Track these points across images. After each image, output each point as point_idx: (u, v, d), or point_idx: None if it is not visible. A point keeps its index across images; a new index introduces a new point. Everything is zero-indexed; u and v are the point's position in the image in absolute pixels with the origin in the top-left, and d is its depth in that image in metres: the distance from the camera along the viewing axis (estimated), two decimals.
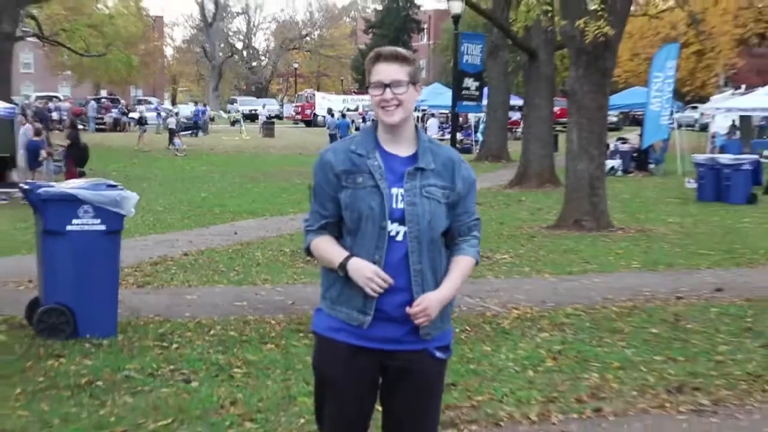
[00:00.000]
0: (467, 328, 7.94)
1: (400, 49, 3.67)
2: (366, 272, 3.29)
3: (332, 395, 3.55)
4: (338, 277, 3.41)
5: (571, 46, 15.20)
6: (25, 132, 22.16)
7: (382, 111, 3.50)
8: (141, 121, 40.98)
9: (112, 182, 7.96)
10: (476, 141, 38.19)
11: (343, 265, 3.35)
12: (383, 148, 3.50)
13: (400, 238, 3.39)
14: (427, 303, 3.32)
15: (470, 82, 24.26)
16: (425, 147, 3.54)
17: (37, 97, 52.97)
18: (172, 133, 39.41)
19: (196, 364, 6.71)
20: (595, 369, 6.61)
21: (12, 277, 10.13)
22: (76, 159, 22.54)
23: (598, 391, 6.12)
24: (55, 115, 43.20)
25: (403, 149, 3.52)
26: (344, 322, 3.43)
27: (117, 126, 52.33)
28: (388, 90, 3.46)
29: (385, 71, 3.52)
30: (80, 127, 35.10)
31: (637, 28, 33.20)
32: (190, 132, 47.16)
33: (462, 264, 3.51)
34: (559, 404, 5.86)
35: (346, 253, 3.38)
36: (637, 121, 24.74)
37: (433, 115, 46.18)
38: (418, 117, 36.32)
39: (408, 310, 3.31)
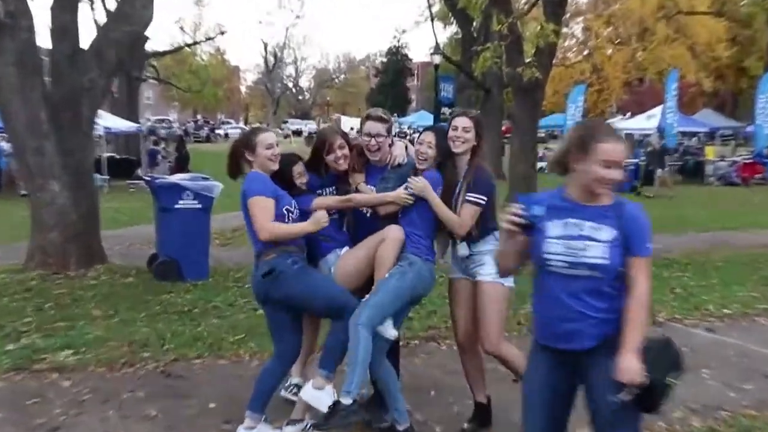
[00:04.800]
0: None
1: (380, 112, 3.83)
2: None
3: None
4: None
5: (513, 85, 15.07)
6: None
7: (369, 153, 3.81)
8: (227, 136, 40.57)
9: (205, 176, 7.95)
10: None
11: None
12: None
13: None
14: None
15: (446, 110, 24.04)
16: None
17: (155, 120, 52.85)
18: None
19: None
20: None
21: (138, 239, 10.18)
22: (182, 161, 22.58)
23: None
24: (162, 132, 42.88)
25: None
26: None
27: (208, 139, 52.38)
28: (372, 139, 3.74)
29: (372, 126, 3.74)
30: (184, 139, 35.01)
31: (557, 73, 32.71)
32: None
33: None
34: None
35: None
36: (556, 137, 24.45)
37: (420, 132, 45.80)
38: (410, 134, 35.96)
39: None
